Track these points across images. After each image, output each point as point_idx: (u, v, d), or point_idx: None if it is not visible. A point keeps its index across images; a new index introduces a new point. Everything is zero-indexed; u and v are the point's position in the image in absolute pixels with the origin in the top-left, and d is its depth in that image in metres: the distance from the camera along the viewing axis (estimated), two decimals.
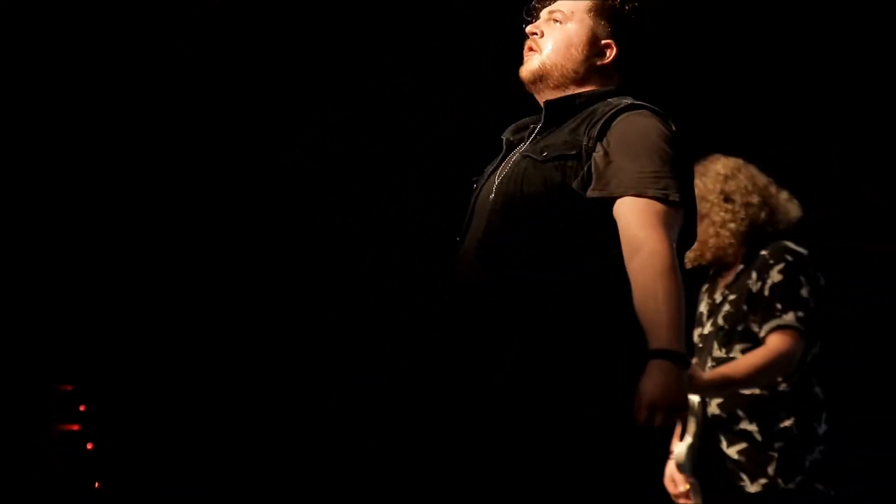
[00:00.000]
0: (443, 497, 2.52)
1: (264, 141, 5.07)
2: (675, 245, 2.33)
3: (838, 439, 3.51)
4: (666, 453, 3.08)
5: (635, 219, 2.32)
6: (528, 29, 2.60)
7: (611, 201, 2.35)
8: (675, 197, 2.34)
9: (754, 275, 3.51)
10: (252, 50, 4.89)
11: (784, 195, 3.64)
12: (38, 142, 4.84)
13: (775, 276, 3.47)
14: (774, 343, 3.40)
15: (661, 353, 2.22)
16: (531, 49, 2.58)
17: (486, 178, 2.58)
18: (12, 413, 4.69)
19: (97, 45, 4.74)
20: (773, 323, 3.42)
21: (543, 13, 2.61)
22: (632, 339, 2.28)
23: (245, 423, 4.94)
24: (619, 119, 2.42)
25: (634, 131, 2.39)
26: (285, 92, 4.97)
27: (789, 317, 3.41)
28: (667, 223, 2.32)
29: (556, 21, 2.57)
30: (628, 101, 2.47)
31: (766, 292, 3.47)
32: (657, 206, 2.32)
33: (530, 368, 2.33)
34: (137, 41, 4.76)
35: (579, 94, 2.52)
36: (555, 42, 2.55)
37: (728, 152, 3.70)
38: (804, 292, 3.45)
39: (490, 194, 2.49)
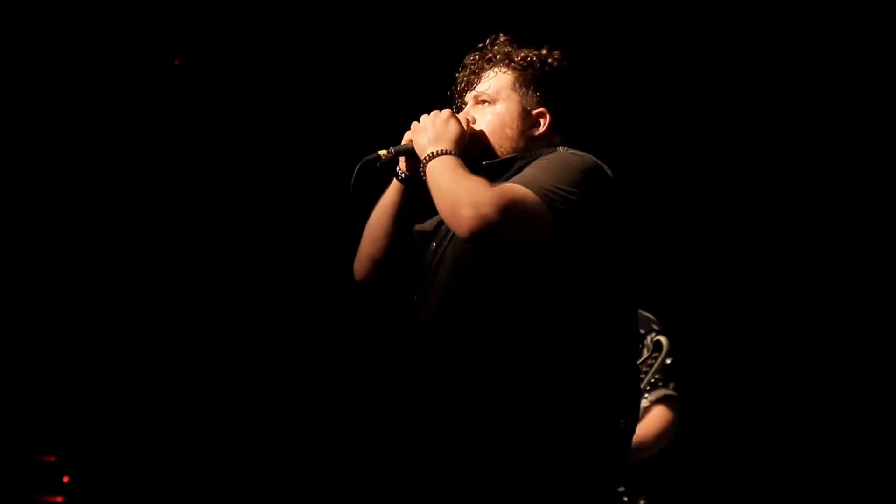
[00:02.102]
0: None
1: (262, 141, 5.06)
2: (523, 234, 2.21)
3: None
4: None
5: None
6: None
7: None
8: (555, 207, 2.21)
9: None
10: (251, 50, 4.92)
11: None
12: (36, 141, 4.83)
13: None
14: (665, 413, 3.45)
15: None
16: None
17: None
18: None
19: (97, 46, 4.75)
20: (659, 392, 3.45)
21: (469, 99, 2.56)
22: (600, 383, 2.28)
23: (234, 482, 4.89)
24: (543, 156, 2.39)
25: (552, 159, 2.34)
26: (284, 93, 4.98)
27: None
28: (530, 208, 2.20)
29: (485, 102, 2.52)
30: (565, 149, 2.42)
31: None
32: (531, 197, 2.21)
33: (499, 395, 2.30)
34: (136, 41, 4.77)
35: (522, 155, 2.46)
36: (487, 127, 2.49)
37: None
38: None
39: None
